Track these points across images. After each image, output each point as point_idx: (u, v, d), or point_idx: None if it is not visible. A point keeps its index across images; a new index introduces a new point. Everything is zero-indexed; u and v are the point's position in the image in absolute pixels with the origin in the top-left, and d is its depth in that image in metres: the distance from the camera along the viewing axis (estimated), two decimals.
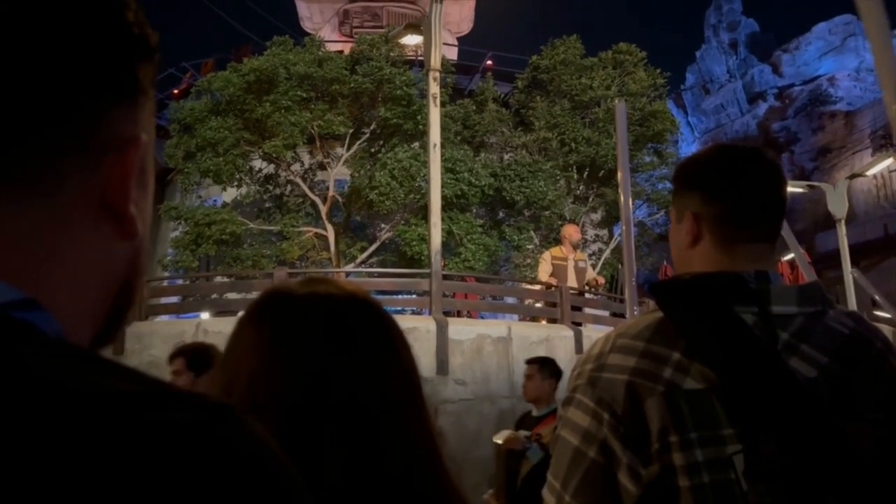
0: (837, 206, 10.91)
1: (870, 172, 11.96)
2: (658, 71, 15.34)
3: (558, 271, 7.74)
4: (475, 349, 6.87)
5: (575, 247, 7.93)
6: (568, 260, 7.81)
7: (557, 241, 14.66)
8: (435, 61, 7.42)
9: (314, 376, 0.69)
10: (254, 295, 8.92)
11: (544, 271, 7.79)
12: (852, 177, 11.88)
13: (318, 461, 0.66)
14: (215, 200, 14.88)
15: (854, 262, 11.50)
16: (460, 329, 6.93)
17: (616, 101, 5.36)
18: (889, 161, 11.44)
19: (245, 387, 0.69)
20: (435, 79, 7.45)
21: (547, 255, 8.00)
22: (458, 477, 0.74)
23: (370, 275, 12.01)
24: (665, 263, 14.12)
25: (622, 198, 4.14)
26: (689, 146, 25.10)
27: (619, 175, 4.28)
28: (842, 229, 10.78)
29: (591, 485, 0.96)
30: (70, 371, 0.32)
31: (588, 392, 1.00)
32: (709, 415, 0.92)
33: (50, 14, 0.37)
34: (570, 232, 7.98)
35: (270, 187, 14.53)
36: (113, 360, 0.34)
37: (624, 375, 0.97)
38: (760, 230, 1.06)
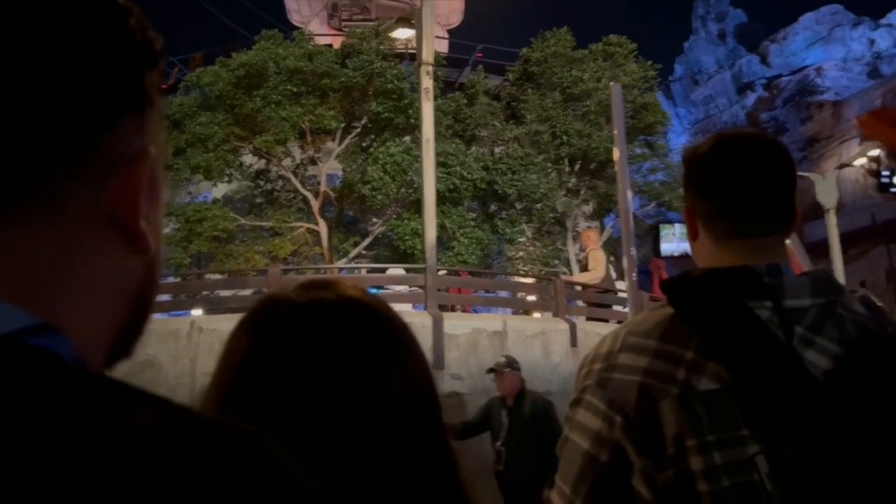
0: (827, 195, 10.99)
1: (858, 162, 12.05)
2: (649, 63, 15.35)
3: None
4: (471, 343, 6.88)
5: (582, 248, 8.61)
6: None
7: (549, 234, 14.76)
8: (427, 55, 7.39)
9: (312, 393, 0.63)
10: (247, 292, 8.75)
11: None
12: (842, 167, 11.98)
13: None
14: (206, 196, 14.76)
15: (843, 251, 11.58)
16: (456, 324, 6.94)
17: (612, 83, 5.35)
18: (877, 151, 11.53)
19: (241, 404, 0.64)
20: (428, 73, 7.42)
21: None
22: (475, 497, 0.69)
23: (363, 270, 11.98)
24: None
25: (620, 186, 4.14)
26: (678, 137, 25.13)
27: (616, 160, 4.28)
28: (832, 219, 10.86)
29: (604, 489, 0.93)
30: (96, 402, 0.31)
31: (598, 393, 0.97)
32: (726, 416, 0.89)
33: (48, 27, 0.35)
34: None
35: (261, 183, 14.44)
36: (137, 386, 0.33)
37: (636, 377, 0.94)
38: (757, 224, 1.03)
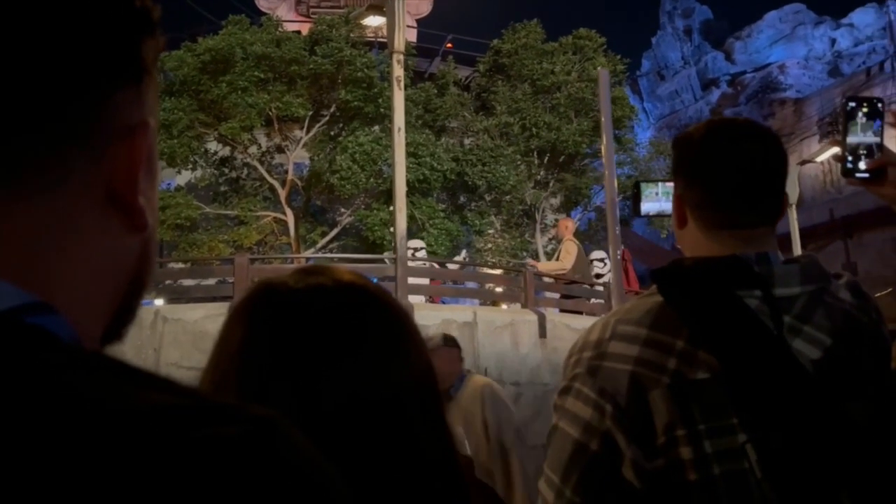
0: (789, 191, 11.24)
1: (819, 159, 12.35)
2: (618, 57, 15.46)
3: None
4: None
5: (558, 238, 8.58)
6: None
7: (518, 226, 14.81)
8: (399, 44, 7.31)
9: (312, 379, 0.61)
10: (211, 281, 8.61)
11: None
12: (803, 163, 12.25)
13: None
14: (169, 184, 14.45)
15: (802, 246, 11.87)
16: (426, 315, 6.92)
17: (599, 68, 5.43)
18: (837, 148, 11.82)
19: (239, 391, 0.62)
20: (399, 62, 7.34)
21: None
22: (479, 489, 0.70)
23: (332, 260, 11.87)
24: (623, 248, 14.31)
25: (607, 173, 4.17)
26: (644, 132, 25.44)
27: (604, 145, 4.31)
28: (793, 214, 11.12)
29: (594, 479, 0.93)
30: (100, 383, 0.29)
31: (588, 382, 0.96)
32: (716, 405, 0.89)
33: None
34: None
35: (226, 170, 14.17)
36: (140, 367, 0.31)
37: (627, 365, 0.94)
38: (750, 216, 1.02)
